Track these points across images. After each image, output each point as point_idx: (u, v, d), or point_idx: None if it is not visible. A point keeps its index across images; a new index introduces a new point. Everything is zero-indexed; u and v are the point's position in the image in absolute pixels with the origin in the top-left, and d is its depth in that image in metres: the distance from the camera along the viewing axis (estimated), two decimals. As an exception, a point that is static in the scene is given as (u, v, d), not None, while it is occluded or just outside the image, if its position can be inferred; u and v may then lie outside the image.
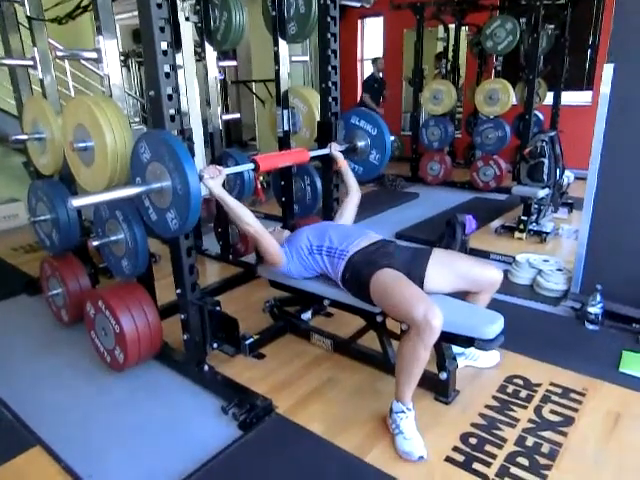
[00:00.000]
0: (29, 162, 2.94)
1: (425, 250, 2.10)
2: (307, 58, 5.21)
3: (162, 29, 1.81)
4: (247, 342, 2.28)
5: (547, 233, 3.90)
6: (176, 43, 2.61)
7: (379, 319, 2.11)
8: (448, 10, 5.95)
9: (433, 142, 5.83)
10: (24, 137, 2.65)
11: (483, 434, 1.85)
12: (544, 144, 3.72)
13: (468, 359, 2.25)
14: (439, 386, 2.04)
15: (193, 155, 1.91)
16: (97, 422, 2.04)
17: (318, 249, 2.16)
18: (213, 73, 3.38)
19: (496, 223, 4.28)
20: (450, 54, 6.29)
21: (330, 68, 2.61)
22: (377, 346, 2.20)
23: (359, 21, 8.04)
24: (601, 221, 2.64)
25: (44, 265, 2.81)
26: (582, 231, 2.73)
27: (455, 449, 1.78)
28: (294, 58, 3.13)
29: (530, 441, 1.81)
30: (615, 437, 1.83)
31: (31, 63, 2.61)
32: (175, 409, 2.10)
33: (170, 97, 1.89)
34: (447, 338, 1.89)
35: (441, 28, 6.40)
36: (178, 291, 2.16)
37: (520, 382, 2.16)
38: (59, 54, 2.37)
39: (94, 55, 2.23)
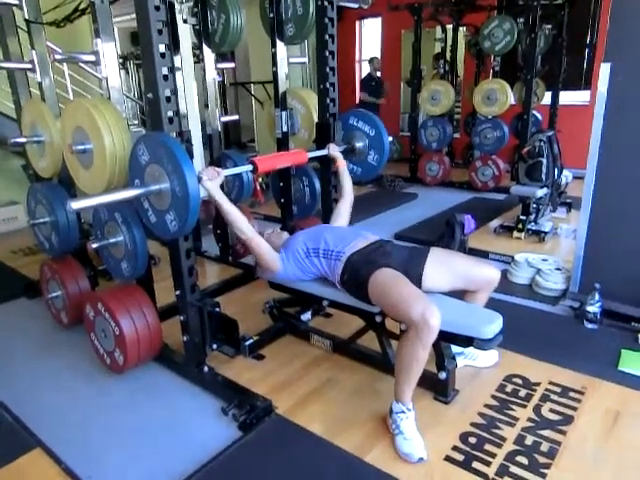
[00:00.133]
0: (28, 165, 2.95)
1: (423, 249, 2.11)
2: (305, 59, 5.21)
3: (160, 31, 1.82)
4: (247, 343, 2.29)
5: (546, 232, 3.90)
6: (174, 45, 2.60)
7: (378, 319, 2.12)
8: (446, 11, 5.96)
9: (432, 142, 5.84)
10: (23, 140, 2.66)
11: (482, 433, 1.85)
12: (542, 144, 3.73)
13: (467, 359, 2.26)
14: (438, 386, 2.05)
15: (191, 157, 1.92)
16: (97, 424, 2.04)
17: (314, 251, 2.16)
18: (211, 75, 3.39)
19: (495, 223, 4.29)
20: (448, 55, 6.30)
21: (328, 69, 2.62)
22: (376, 346, 2.20)
23: (357, 22, 8.06)
24: (599, 220, 2.64)
25: (44, 268, 2.82)
26: (580, 230, 2.73)
27: (455, 448, 1.78)
28: (292, 60, 3.14)
29: (529, 440, 1.82)
30: (614, 435, 1.83)
31: (29, 66, 2.62)
32: (175, 410, 2.10)
33: (168, 99, 1.90)
34: (446, 338, 1.90)
35: (439, 29, 6.42)
36: (177, 293, 2.16)
37: (519, 381, 2.16)
38: (57, 57, 2.38)
39: (92, 58, 2.24)
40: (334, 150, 2.61)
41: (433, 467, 1.71)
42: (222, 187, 2.06)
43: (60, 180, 2.71)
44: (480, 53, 6.08)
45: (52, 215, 2.57)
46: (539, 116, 5.88)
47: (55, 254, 2.75)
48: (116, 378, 2.31)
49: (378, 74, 6.94)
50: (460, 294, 2.12)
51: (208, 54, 3.30)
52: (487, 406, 2.01)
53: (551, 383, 2.14)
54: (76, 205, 1.74)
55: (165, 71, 1.86)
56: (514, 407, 2.00)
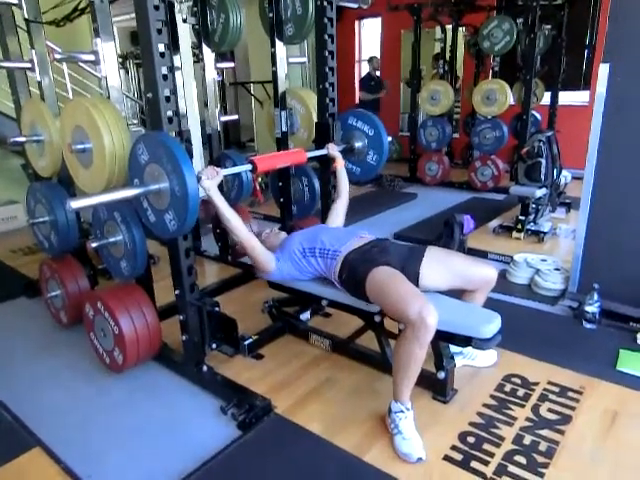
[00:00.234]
0: (27, 164, 2.95)
1: (420, 248, 2.11)
2: (305, 59, 5.22)
3: (159, 31, 1.82)
4: (246, 342, 2.30)
5: (545, 233, 3.91)
6: (174, 45, 2.61)
7: (377, 319, 2.12)
8: (445, 11, 5.96)
9: (431, 142, 5.84)
10: (22, 139, 2.66)
11: (481, 433, 1.86)
12: (541, 144, 3.73)
13: (466, 358, 2.26)
14: (437, 385, 2.05)
15: (191, 157, 1.92)
16: (96, 423, 2.04)
17: (311, 251, 2.17)
18: (211, 75, 3.39)
19: (494, 223, 4.29)
20: (447, 55, 6.30)
21: (327, 69, 2.62)
22: (375, 346, 2.21)
23: (357, 22, 8.06)
24: (598, 220, 2.65)
25: (43, 267, 2.82)
26: (579, 230, 2.74)
27: (453, 448, 1.79)
28: (292, 59, 3.14)
29: (528, 439, 1.82)
30: (612, 435, 1.83)
31: (29, 65, 2.62)
32: (174, 410, 2.10)
33: (168, 99, 1.90)
34: (445, 337, 1.90)
35: (438, 29, 6.43)
36: (177, 292, 2.16)
37: (518, 381, 2.16)
38: (57, 56, 2.38)
39: (92, 57, 2.24)
40: (333, 150, 2.61)
41: (432, 466, 1.71)
42: (221, 186, 2.06)
43: (59, 179, 2.71)
44: (479, 53, 6.09)
45: (51, 214, 2.57)
46: (538, 116, 5.88)
47: (54, 253, 2.75)
48: (115, 377, 2.31)
49: (377, 73, 6.96)
50: (458, 294, 2.12)
51: (208, 54, 3.30)
52: (486, 406, 2.01)
53: (550, 383, 2.14)
54: (75, 204, 1.74)
55: (164, 71, 1.86)
56: (513, 407, 2.00)
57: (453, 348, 2.10)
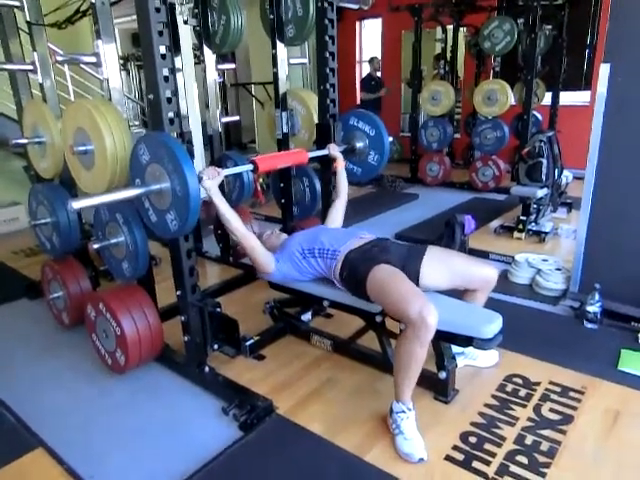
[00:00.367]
0: (29, 166, 2.96)
1: (421, 247, 2.11)
2: (306, 60, 5.22)
3: (160, 33, 1.82)
4: (247, 343, 2.29)
5: (546, 233, 3.91)
6: (175, 46, 2.62)
7: (378, 319, 2.12)
8: (446, 11, 5.96)
9: (432, 143, 5.84)
10: (24, 141, 2.67)
11: (483, 433, 1.86)
12: (542, 144, 3.73)
13: (467, 358, 2.26)
14: (438, 385, 2.05)
15: (192, 158, 1.93)
16: (98, 424, 2.05)
17: (310, 252, 2.17)
18: (212, 76, 3.40)
19: (495, 223, 4.29)
20: (448, 55, 6.30)
21: (328, 70, 2.63)
22: (376, 346, 2.21)
23: (357, 23, 8.07)
24: (599, 220, 2.65)
25: (45, 268, 2.82)
26: (580, 230, 2.74)
27: (455, 448, 1.79)
28: (292, 60, 3.15)
29: (529, 439, 1.82)
30: (614, 435, 1.83)
31: (31, 68, 2.63)
32: (176, 410, 2.11)
33: (169, 100, 1.90)
34: (446, 337, 1.90)
35: (439, 29, 6.42)
36: (178, 293, 2.17)
37: (519, 381, 2.16)
38: (59, 58, 2.39)
39: (93, 59, 2.25)
40: (334, 150, 2.62)
41: (433, 466, 1.71)
42: (222, 187, 2.06)
43: (61, 181, 2.72)
44: (480, 54, 6.08)
45: (53, 216, 2.58)
46: (539, 116, 5.89)
47: (56, 255, 2.76)
48: (117, 378, 2.31)
49: (378, 74, 6.97)
50: (459, 294, 2.12)
51: (209, 55, 3.31)
52: (487, 406, 2.01)
53: (551, 383, 2.14)
54: (77, 204, 1.74)
55: (166, 72, 1.87)
56: (514, 407, 2.00)
57: (455, 348, 2.10)
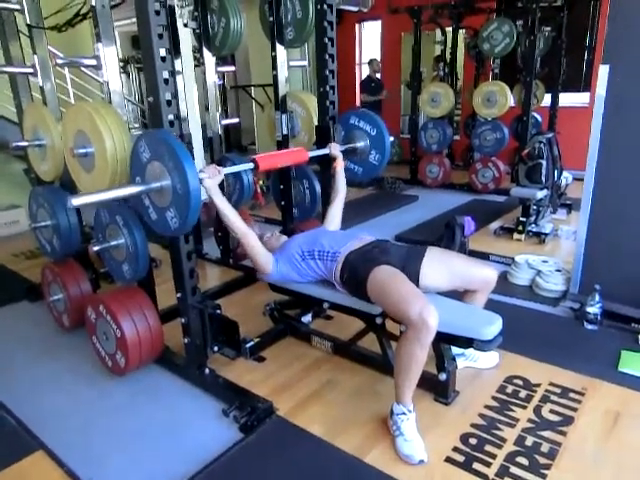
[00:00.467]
0: (30, 169, 2.96)
1: (421, 248, 2.11)
2: (305, 62, 5.24)
3: (160, 36, 1.83)
4: (247, 345, 2.30)
5: (546, 234, 3.91)
6: (175, 49, 2.62)
7: (378, 321, 2.12)
8: (445, 14, 5.98)
9: (432, 145, 5.85)
10: (25, 144, 2.68)
11: (483, 434, 1.86)
12: (542, 145, 3.73)
13: (468, 360, 2.26)
14: (439, 387, 2.05)
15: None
16: (98, 426, 2.05)
17: (310, 254, 2.17)
18: (212, 78, 3.41)
19: (495, 225, 4.30)
20: (448, 57, 6.32)
21: (328, 72, 2.63)
22: (377, 348, 2.21)
23: (357, 25, 8.08)
24: (599, 221, 2.65)
25: (45, 271, 2.83)
26: (580, 232, 2.74)
27: (455, 449, 1.79)
28: (292, 63, 3.16)
29: (530, 441, 1.82)
30: (614, 436, 1.83)
31: (31, 70, 2.64)
32: (176, 412, 2.10)
33: (169, 103, 1.91)
34: (446, 339, 1.90)
35: (438, 31, 6.43)
36: (178, 295, 2.17)
37: (519, 382, 2.16)
38: (59, 61, 2.39)
39: (93, 62, 2.26)
40: (335, 150, 2.62)
41: (433, 468, 1.71)
42: (222, 188, 2.06)
43: (62, 183, 2.73)
44: (480, 55, 6.10)
45: (54, 218, 2.58)
46: (539, 118, 5.89)
47: (57, 257, 2.76)
48: (117, 380, 2.31)
49: (378, 75, 6.98)
50: (459, 296, 2.12)
51: (208, 57, 3.32)
52: (487, 407, 2.01)
53: (551, 384, 2.14)
54: (76, 201, 1.72)
55: (166, 75, 1.87)
56: (514, 408, 2.00)
57: (455, 350, 2.10)
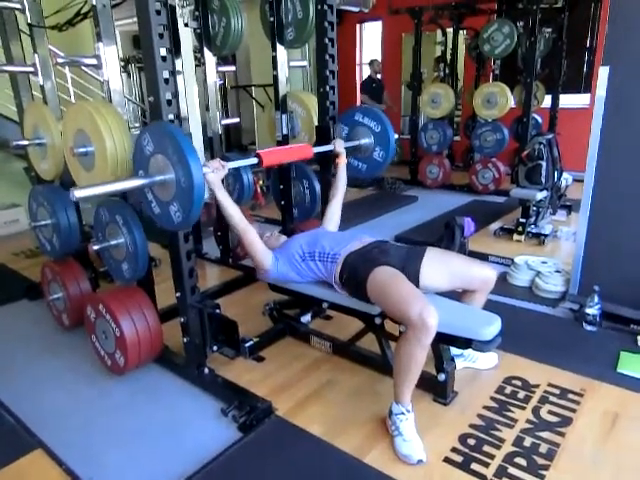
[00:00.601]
0: (30, 167, 2.97)
1: (420, 248, 2.11)
2: (306, 63, 5.24)
3: (161, 35, 1.83)
4: (247, 345, 2.29)
5: (546, 235, 3.91)
6: (175, 49, 2.63)
7: (378, 321, 2.12)
8: (446, 14, 5.99)
9: (432, 145, 5.85)
10: (25, 143, 2.68)
11: (481, 435, 1.86)
12: (542, 147, 3.73)
13: (466, 360, 2.27)
14: (437, 387, 2.05)
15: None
16: (98, 425, 2.05)
17: (310, 255, 2.17)
18: (212, 78, 3.41)
19: (495, 225, 4.30)
20: (448, 58, 6.32)
21: (328, 72, 2.64)
22: (376, 348, 2.21)
23: (357, 26, 8.09)
24: (598, 223, 2.65)
25: (45, 270, 2.83)
26: (579, 233, 2.74)
27: (453, 450, 1.79)
28: (292, 63, 3.16)
29: (528, 441, 1.82)
30: (613, 437, 1.84)
31: (32, 69, 2.64)
32: (175, 412, 2.11)
33: (169, 102, 1.91)
34: (445, 339, 1.91)
35: (439, 32, 6.44)
36: (178, 294, 2.17)
37: (518, 383, 2.17)
38: (59, 61, 2.39)
39: (94, 61, 2.25)
40: (340, 146, 2.62)
41: (432, 468, 1.71)
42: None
43: (62, 182, 2.73)
44: (480, 56, 6.10)
45: (53, 217, 2.58)
46: (539, 119, 5.90)
47: (56, 256, 2.76)
48: (117, 380, 2.32)
49: (378, 76, 6.98)
50: (458, 296, 2.13)
51: (209, 57, 3.32)
52: (486, 408, 2.01)
53: (550, 385, 2.14)
54: (79, 193, 1.70)
55: (166, 74, 1.88)
56: (513, 409, 2.00)
57: (454, 350, 2.11)
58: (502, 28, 5.18)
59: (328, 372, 2.31)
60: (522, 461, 1.73)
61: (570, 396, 2.06)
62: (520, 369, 2.26)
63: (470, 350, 1.98)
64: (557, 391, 2.10)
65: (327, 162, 2.71)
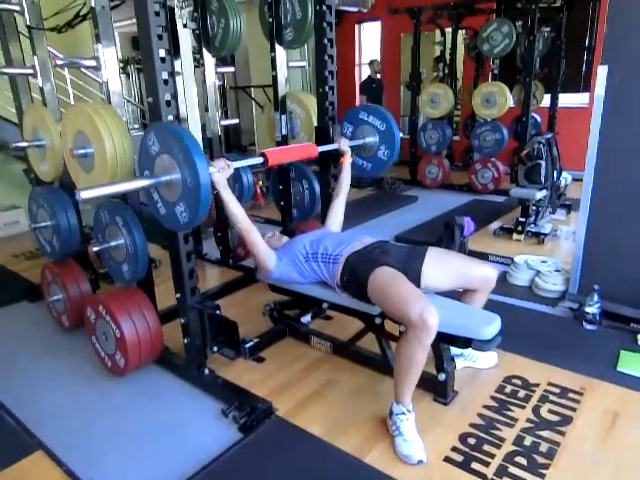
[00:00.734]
0: (29, 169, 2.97)
1: (421, 248, 2.11)
2: (305, 63, 5.24)
3: (160, 36, 1.83)
4: (247, 345, 2.30)
5: (545, 234, 3.91)
6: (174, 50, 2.62)
7: (378, 321, 2.12)
8: (445, 14, 5.99)
9: (431, 145, 5.86)
10: (24, 144, 2.68)
11: (482, 434, 1.86)
12: (541, 146, 3.74)
13: (467, 360, 2.27)
14: (438, 387, 2.05)
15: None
16: (98, 426, 2.05)
17: (313, 256, 2.17)
18: (211, 79, 3.41)
19: (494, 225, 4.30)
20: (447, 58, 6.32)
21: (327, 73, 2.64)
22: (376, 348, 2.21)
23: (356, 26, 8.09)
24: (598, 221, 2.65)
25: (45, 271, 2.83)
26: (579, 232, 2.74)
27: (454, 449, 1.79)
28: (291, 63, 3.16)
29: (528, 441, 1.82)
30: (613, 436, 1.84)
31: (31, 71, 2.65)
32: (176, 413, 2.11)
33: (168, 103, 1.91)
34: (445, 339, 1.91)
35: (438, 32, 6.44)
36: (178, 295, 2.17)
37: (518, 382, 2.17)
38: (59, 62, 2.39)
39: (93, 63, 2.26)
40: (345, 145, 2.61)
41: (432, 468, 1.72)
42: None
43: (61, 184, 2.73)
44: (479, 56, 6.11)
45: (53, 219, 2.58)
46: (538, 118, 5.89)
47: (56, 258, 2.76)
48: (117, 381, 2.32)
49: (378, 76, 6.98)
50: (458, 296, 2.13)
51: (208, 58, 3.32)
52: (486, 407, 2.02)
53: (550, 384, 2.14)
54: (85, 194, 1.68)
55: (165, 75, 1.88)
56: (513, 408, 2.01)
57: (454, 350, 2.11)
58: (501, 28, 5.18)
59: (328, 372, 2.31)
60: (522, 460, 1.73)
61: (570, 395, 2.07)
62: (520, 368, 2.26)
63: (470, 349, 1.98)
64: (557, 390, 2.10)
65: (327, 162, 2.71)
